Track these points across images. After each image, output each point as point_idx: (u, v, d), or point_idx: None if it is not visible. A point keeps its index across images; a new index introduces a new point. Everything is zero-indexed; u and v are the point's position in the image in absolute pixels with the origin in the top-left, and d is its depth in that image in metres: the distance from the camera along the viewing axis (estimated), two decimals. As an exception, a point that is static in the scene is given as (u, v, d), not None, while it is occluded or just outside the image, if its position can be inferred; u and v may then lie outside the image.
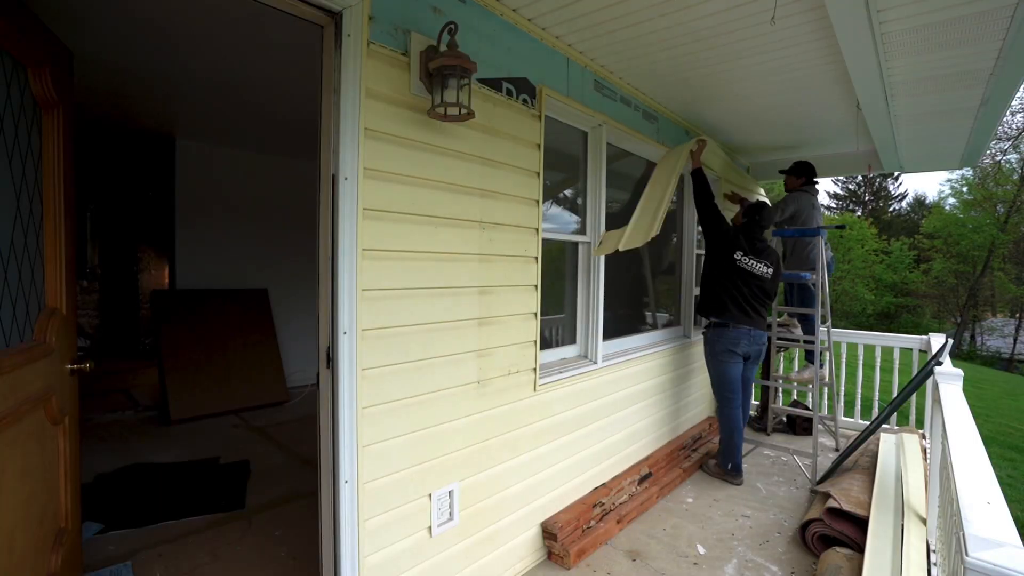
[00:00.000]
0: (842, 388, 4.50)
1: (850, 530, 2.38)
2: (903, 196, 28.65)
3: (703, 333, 3.31)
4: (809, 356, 4.02)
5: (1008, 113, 16.04)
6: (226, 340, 4.47)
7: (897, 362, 4.21)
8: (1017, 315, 20.47)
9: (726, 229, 3.14)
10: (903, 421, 4.24)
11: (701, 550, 2.47)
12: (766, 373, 4.20)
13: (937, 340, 3.25)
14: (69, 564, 1.67)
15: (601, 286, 2.75)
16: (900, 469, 2.83)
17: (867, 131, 3.39)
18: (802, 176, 4.05)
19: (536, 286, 2.28)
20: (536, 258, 2.28)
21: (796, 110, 3.24)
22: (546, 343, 2.63)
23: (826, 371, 3.90)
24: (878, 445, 3.27)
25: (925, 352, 3.61)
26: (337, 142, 1.52)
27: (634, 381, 3.09)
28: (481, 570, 2.08)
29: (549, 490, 2.43)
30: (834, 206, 29.87)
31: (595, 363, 2.71)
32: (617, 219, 2.88)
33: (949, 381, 2.20)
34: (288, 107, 3.51)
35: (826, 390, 3.87)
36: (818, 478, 3.16)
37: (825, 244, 3.82)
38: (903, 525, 2.24)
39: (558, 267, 2.74)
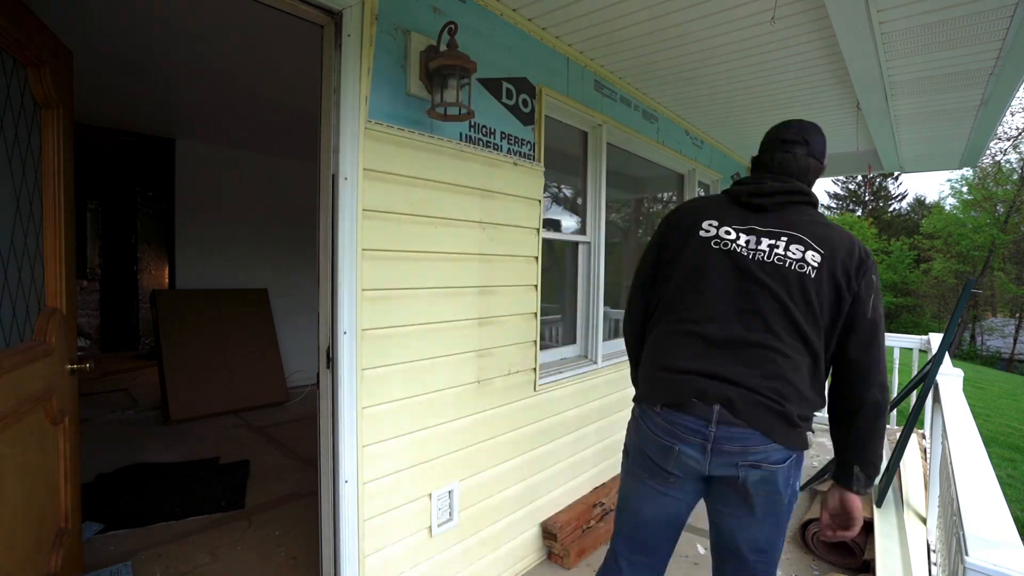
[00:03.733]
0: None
1: (850, 530, 2.38)
2: (903, 196, 28.67)
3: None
4: None
5: (1008, 113, 16.03)
6: (226, 340, 4.47)
7: (897, 362, 4.21)
8: (1017, 315, 20.47)
9: None
10: (903, 421, 4.24)
11: (701, 550, 2.47)
12: None
13: (937, 340, 3.24)
14: (69, 564, 1.67)
15: (601, 286, 2.75)
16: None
17: (867, 131, 3.39)
18: None
19: (536, 286, 2.28)
20: (536, 258, 2.28)
21: (796, 110, 3.24)
22: (546, 343, 2.63)
23: None
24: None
25: (925, 352, 3.61)
26: (337, 142, 1.52)
27: (634, 381, 3.09)
28: (481, 570, 2.07)
29: (549, 490, 2.43)
30: (834, 206, 29.89)
31: (595, 363, 2.71)
32: (616, 219, 2.87)
33: (949, 381, 2.20)
34: (288, 107, 3.50)
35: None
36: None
37: None
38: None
39: (559, 267, 2.74)
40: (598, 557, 2.38)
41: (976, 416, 1.80)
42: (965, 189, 21.06)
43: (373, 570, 1.66)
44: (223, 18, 2.28)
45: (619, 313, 3.01)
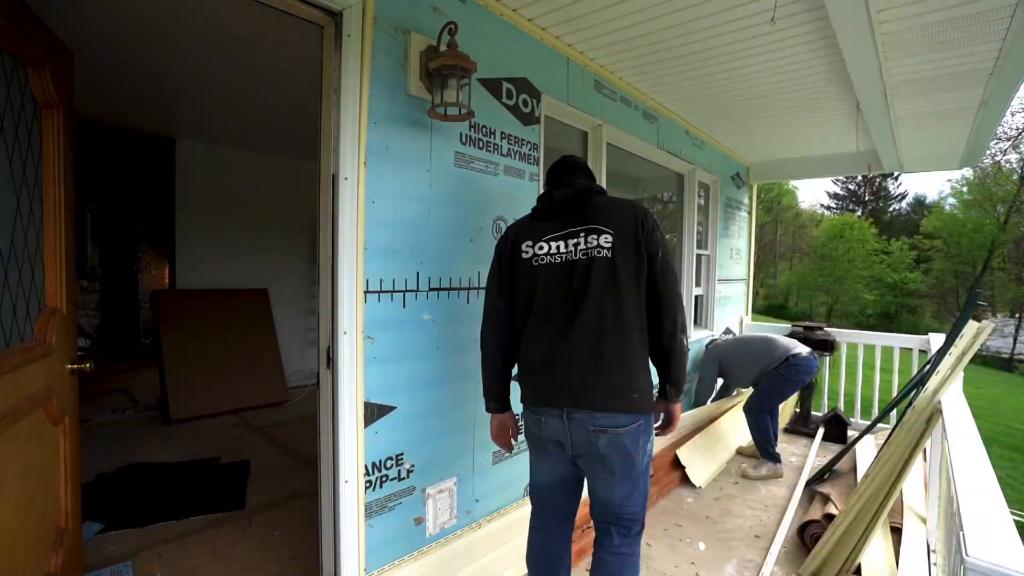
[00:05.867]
0: (842, 388, 4.51)
1: (850, 530, 2.38)
2: (903, 196, 28.70)
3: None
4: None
5: (1008, 113, 16.04)
6: (226, 340, 4.47)
7: (897, 362, 4.21)
8: (1017, 315, 20.46)
9: None
10: (903, 421, 4.23)
11: (701, 548, 2.47)
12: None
13: (937, 340, 3.25)
14: (69, 564, 1.67)
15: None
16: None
17: (867, 131, 3.39)
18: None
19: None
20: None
21: (796, 110, 3.24)
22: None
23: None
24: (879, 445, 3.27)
25: (925, 352, 3.61)
26: (337, 142, 1.52)
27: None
28: (481, 569, 2.07)
29: (549, 490, 2.42)
30: (834, 206, 29.91)
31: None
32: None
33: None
34: (288, 107, 3.50)
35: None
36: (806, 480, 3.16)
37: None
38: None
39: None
40: (598, 557, 2.38)
41: (976, 416, 1.80)
42: (965, 189, 21.07)
43: (373, 569, 1.66)
44: (223, 18, 2.28)
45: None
